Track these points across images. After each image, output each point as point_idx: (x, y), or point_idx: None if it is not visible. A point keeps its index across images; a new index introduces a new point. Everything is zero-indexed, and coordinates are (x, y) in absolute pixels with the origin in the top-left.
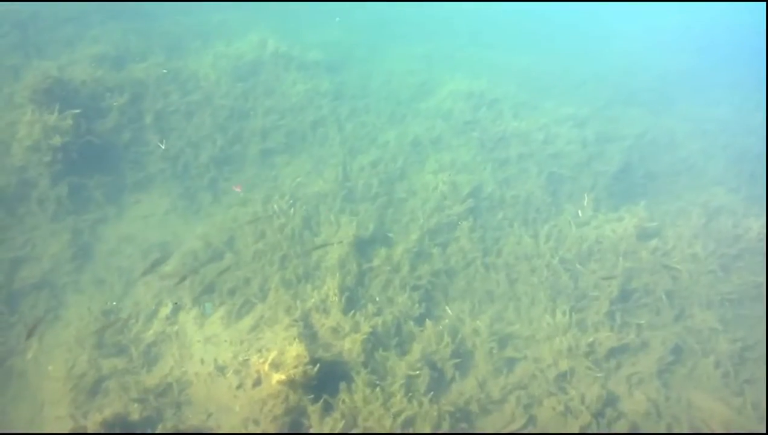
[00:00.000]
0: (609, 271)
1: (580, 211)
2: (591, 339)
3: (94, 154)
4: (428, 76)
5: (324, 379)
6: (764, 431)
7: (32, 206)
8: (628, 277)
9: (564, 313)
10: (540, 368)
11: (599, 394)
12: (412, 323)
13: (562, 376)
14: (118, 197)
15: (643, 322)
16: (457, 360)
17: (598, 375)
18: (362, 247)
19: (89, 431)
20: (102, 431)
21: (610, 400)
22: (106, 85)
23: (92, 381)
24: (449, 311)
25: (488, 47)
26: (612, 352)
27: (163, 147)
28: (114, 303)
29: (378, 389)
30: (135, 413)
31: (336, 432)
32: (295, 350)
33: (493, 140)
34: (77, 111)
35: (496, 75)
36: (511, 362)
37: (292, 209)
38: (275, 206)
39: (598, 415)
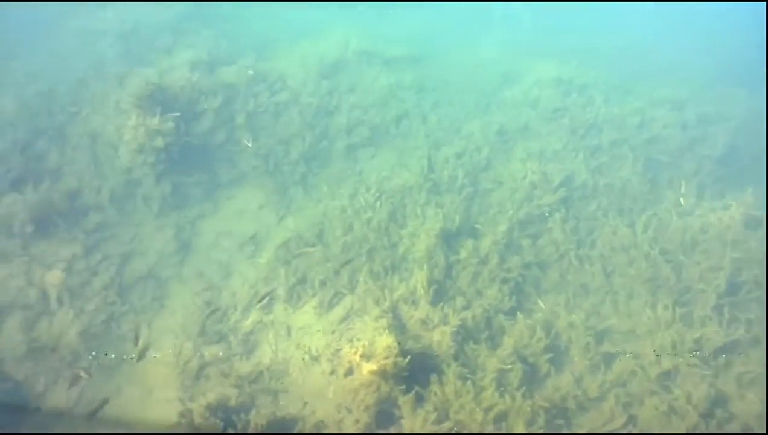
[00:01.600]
0: (716, 262)
1: (681, 199)
2: (697, 335)
3: (193, 154)
4: (513, 64)
5: (415, 371)
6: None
7: (138, 204)
8: (737, 268)
9: (666, 307)
10: (641, 365)
11: (707, 393)
12: (502, 316)
13: (665, 374)
14: (215, 194)
15: (753, 316)
16: (551, 355)
17: (706, 373)
18: (449, 239)
19: (195, 414)
20: (207, 414)
21: (720, 401)
22: (201, 89)
23: (196, 367)
24: (542, 305)
25: (577, 31)
26: (720, 349)
27: (250, 145)
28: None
29: (469, 383)
30: (234, 399)
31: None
32: (386, 341)
33: (585, 127)
34: (177, 114)
35: (586, 59)
36: (609, 358)
37: (378, 202)
38: (361, 200)
39: (706, 415)
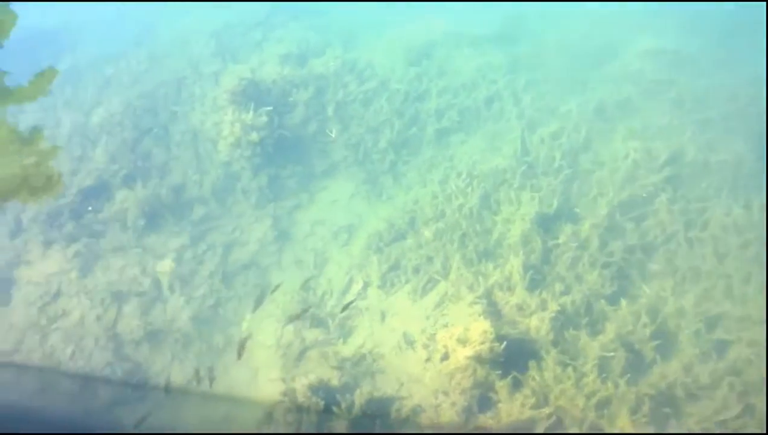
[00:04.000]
0: None
1: None
2: None
3: (286, 147)
4: (611, 38)
5: (511, 356)
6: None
7: (238, 196)
8: None
9: None
10: (757, 353)
11: None
12: (604, 302)
13: None
14: (309, 184)
15: None
16: (658, 341)
17: None
18: (546, 223)
19: (297, 393)
20: (308, 393)
21: None
22: (292, 81)
23: (297, 350)
24: (647, 290)
25: None
26: None
27: (333, 136)
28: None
29: (569, 369)
30: (335, 380)
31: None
32: (481, 326)
33: (693, 100)
34: (270, 108)
35: (695, 28)
36: (721, 345)
37: (470, 188)
38: (453, 186)
39: None
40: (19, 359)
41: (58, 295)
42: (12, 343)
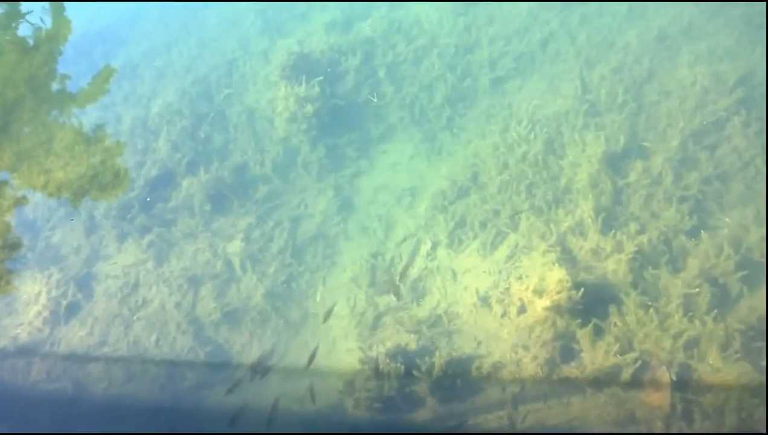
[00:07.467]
0: None
1: None
2: None
3: (341, 115)
4: None
5: (590, 303)
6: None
7: (299, 171)
8: None
9: None
10: None
11: None
12: (683, 237)
13: None
14: (368, 150)
15: None
16: (744, 272)
17: None
18: (614, 162)
19: (378, 361)
20: (387, 360)
21: None
22: (340, 49)
23: (372, 317)
24: (727, 220)
25: None
26: None
27: (375, 100)
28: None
29: (652, 310)
30: (412, 344)
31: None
32: (556, 275)
33: (763, 15)
34: (320, 78)
35: None
36: None
37: (532, 134)
38: (514, 134)
39: None
40: (107, 351)
41: (137, 285)
42: (98, 336)
